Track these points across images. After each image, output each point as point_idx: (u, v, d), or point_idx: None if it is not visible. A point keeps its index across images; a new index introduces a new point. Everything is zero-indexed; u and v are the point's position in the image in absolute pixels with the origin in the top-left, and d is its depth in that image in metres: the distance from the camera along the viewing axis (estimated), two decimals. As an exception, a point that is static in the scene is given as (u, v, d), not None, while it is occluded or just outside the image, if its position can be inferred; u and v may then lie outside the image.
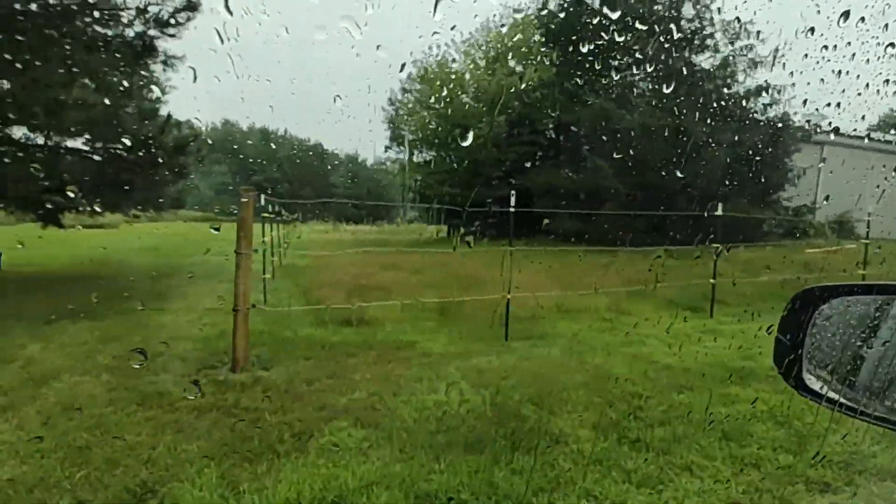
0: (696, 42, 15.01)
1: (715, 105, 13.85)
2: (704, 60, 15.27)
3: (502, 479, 2.55)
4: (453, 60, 20.47)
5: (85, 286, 8.40)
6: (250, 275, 4.37)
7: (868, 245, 7.60)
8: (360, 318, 6.24)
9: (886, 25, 2.31)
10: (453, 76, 19.70)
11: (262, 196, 7.98)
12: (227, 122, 65.74)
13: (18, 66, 6.25)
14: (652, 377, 4.27)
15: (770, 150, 14.21)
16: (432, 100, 19.27)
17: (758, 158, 13.84)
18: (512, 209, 5.77)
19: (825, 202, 15.46)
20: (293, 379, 4.14)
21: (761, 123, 14.69)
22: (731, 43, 14.69)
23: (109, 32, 8.15)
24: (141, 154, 7.24)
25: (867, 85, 2.64)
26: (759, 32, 14.55)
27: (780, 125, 14.65)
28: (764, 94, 14.63)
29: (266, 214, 8.79)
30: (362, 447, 2.95)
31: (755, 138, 13.75)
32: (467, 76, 19.82)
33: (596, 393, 3.87)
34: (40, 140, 8.09)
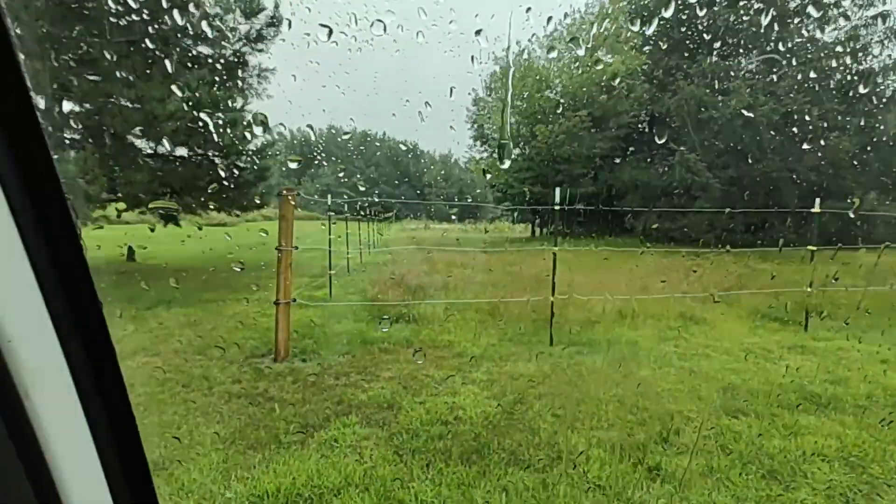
0: (817, 13, 12.95)
1: (838, 84, 11.85)
2: (828, 34, 13.14)
3: (483, 495, 2.40)
4: (536, 55, 19.93)
5: (190, 278, 9.50)
6: (291, 270, 4.60)
7: None
8: (411, 316, 6.32)
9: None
10: (536, 73, 19.19)
11: (347, 196, 8.42)
12: (332, 127, 70.71)
13: (130, 79, 7.22)
14: (703, 396, 3.76)
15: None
16: (512, 97, 18.93)
17: (892, 143, 11.57)
18: (557, 207, 5.42)
19: None
20: (325, 372, 4.29)
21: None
22: (862, 10, 12.43)
23: (206, 51, 9.14)
24: (227, 159, 8.01)
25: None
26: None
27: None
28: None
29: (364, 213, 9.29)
30: (361, 446, 2.96)
31: (889, 120, 11.53)
32: (552, 70, 19.19)
33: (629, 409, 3.50)
34: (153, 149, 9.27)
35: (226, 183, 8.83)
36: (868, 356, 4.66)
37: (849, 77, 12.14)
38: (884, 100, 12.78)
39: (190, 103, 7.26)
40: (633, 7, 16.70)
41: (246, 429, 3.15)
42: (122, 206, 8.59)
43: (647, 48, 15.38)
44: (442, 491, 2.44)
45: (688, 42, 14.07)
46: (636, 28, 16.47)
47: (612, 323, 6.11)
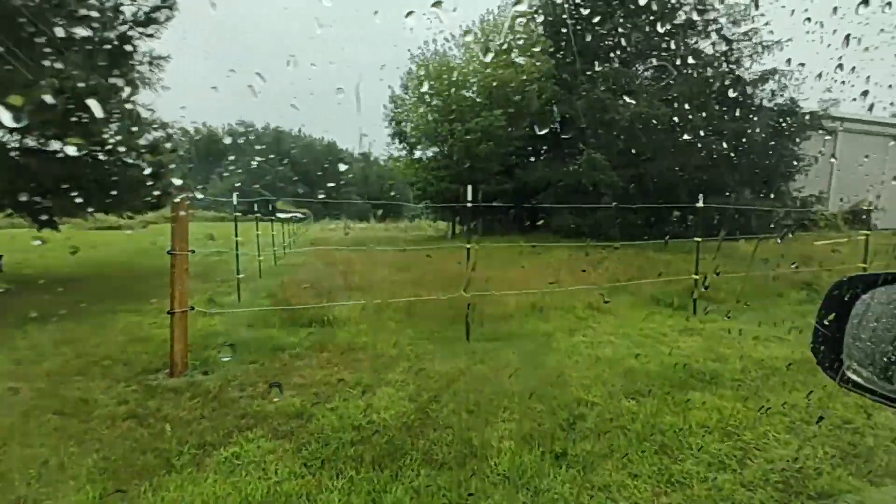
0: (700, 26, 14.41)
1: (718, 92, 13.27)
2: (708, 46, 14.66)
3: (394, 499, 2.34)
4: (452, 54, 20.18)
5: (73, 289, 8.42)
6: (186, 276, 4.22)
7: (869, 237, 7.11)
8: (325, 318, 6.08)
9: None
10: (453, 70, 19.41)
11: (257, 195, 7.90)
12: (243, 122, 66.44)
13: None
14: (606, 381, 3.99)
15: (777, 136, 13.56)
16: (430, 96, 19.01)
17: (764, 147, 13.21)
18: (469, 204, 5.51)
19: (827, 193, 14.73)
20: (228, 384, 3.98)
21: (769, 110, 14.03)
22: (736, 26, 14.03)
23: (84, 33, 8.12)
24: (113, 156, 7.18)
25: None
26: (762, 15, 13.92)
27: (788, 110, 13.96)
28: (771, 79, 13.96)
29: (281, 214, 8.75)
30: (265, 461, 2.77)
31: (760, 125, 13.13)
32: (468, 69, 19.51)
33: (541, 400, 3.62)
34: (19, 142, 8.09)
35: (113, 182, 7.89)
36: (744, 335, 5.23)
37: (726, 85, 13.63)
38: (754, 108, 14.53)
39: (63, 92, 6.38)
40: (542, 13, 17.47)
41: (132, 455, 2.83)
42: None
43: (558, 52, 16.15)
44: (352, 499, 2.35)
45: (592, 48, 14.99)
46: (545, 32, 17.23)
47: (526, 316, 6.33)
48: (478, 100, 19.02)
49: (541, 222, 14.85)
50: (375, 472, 2.60)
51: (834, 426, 3.14)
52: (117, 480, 2.56)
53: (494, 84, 18.12)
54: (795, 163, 14.43)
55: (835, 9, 2.74)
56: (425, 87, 20.04)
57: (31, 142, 8.26)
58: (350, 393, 3.78)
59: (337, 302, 6.58)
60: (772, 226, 12.16)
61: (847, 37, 2.35)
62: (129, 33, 8.96)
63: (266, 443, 2.98)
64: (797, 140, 14.44)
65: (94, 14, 7.81)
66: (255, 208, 10.16)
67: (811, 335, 0.97)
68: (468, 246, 5.54)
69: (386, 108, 22.64)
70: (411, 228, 27.46)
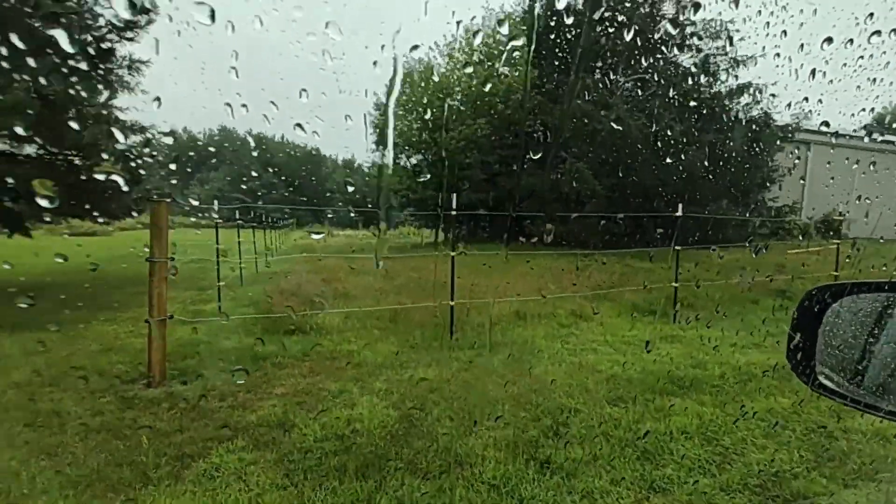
0: (677, 41, 14.81)
1: (694, 104, 13.63)
2: (685, 59, 15.08)
3: (377, 509, 2.32)
4: (437, 63, 20.36)
5: (45, 297, 8.15)
6: (165, 283, 4.13)
7: (839, 246, 7.36)
8: (308, 327, 6.02)
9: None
10: (436, 79, 19.58)
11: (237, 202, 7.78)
12: (224, 128, 65.59)
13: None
14: (590, 388, 4.03)
15: (752, 148, 13.98)
16: (413, 103, 19.13)
17: (739, 158, 13.60)
18: (454, 212, 5.53)
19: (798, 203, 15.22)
20: (208, 394, 3.90)
21: (743, 122, 14.47)
22: (712, 41, 14.47)
23: (61, 35, 7.95)
24: (89, 160, 7.02)
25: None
26: (737, 31, 14.38)
27: (762, 123, 14.41)
28: (745, 93, 14.40)
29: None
30: (245, 472, 2.72)
31: (736, 137, 13.53)
32: (451, 77, 19.69)
33: (524, 407, 3.63)
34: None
35: (88, 187, 7.69)
36: (722, 341, 5.34)
37: (703, 98, 14.03)
38: (729, 122, 14.96)
39: (36, 95, 6.23)
40: (525, 24, 17.75)
41: (106, 468, 2.74)
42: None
43: (541, 63, 16.40)
44: (334, 511, 2.31)
45: (574, 59, 15.26)
46: (527, 43, 17.48)
47: (510, 324, 6.36)
48: (462, 108, 19.18)
49: (526, 230, 14.96)
50: (359, 481, 2.57)
51: (808, 430, 3.22)
52: (91, 495, 2.49)
53: (477, 93, 18.33)
54: (770, 174, 14.87)
55: (801, 45, 2.89)
56: (409, 95, 20.13)
57: (1, 145, 8.04)
58: (333, 402, 3.75)
59: (321, 310, 6.52)
60: (749, 238, 12.48)
61: (813, 71, 2.49)
62: (109, 36, 8.82)
63: (246, 454, 2.92)
64: (771, 152, 14.88)
65: (72, 16, 7.66)
66: (237, 215, 10.03)
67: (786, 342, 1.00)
68: (453, 254, 5.55)
69: (371, 116, 22.66)
70: (396, 235, 27.40)
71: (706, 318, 6.75)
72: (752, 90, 14.68)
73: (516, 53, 18.32)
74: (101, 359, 4.86)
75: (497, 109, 18.11)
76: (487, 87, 18.30)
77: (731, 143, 14.06)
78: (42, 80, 6.73)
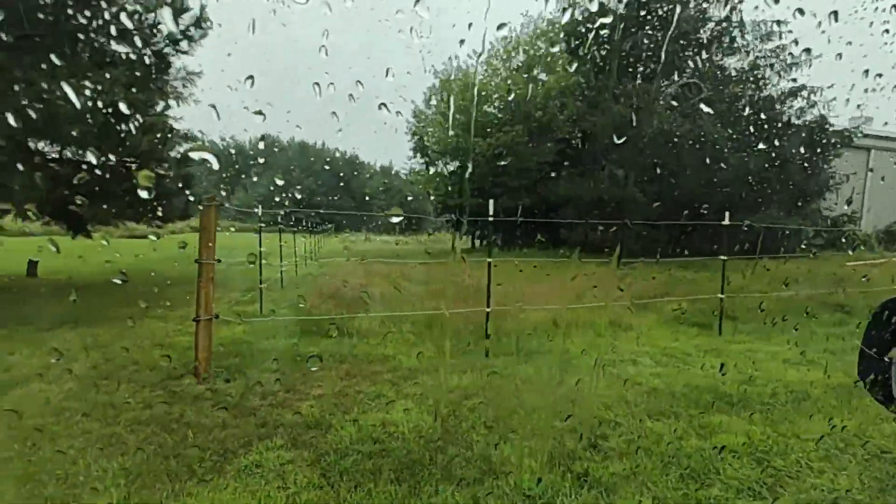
0: (725, 44, 14.27)
1: (743, 109, 13.08)
2: (733, 63, 14.50)
3: (412, 514, 2.32)
4: (475, 70, 20.44)
5: (102, 294, 8.67)
6: (212, 284, 4.30)
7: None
8: (346, 330, 6.12)
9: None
10: (475, 87, 19.66)
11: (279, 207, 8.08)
12: (267, 135, 68.20)
13: (29, 82, 6.53)
14: (629, 401, 3.90)
15: (806, 154, 13.26)
16: (451, 109, 19.27)
17: (793, 164, 12.92)
18: (490, 218, 5.51)
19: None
20: (249, 392, 4.03)
21: (795, 127, 13.74)
22: (763, 43, 13.84)
23: (122, 49, 8.50)
24: (145, 167, 7.45)
25: None
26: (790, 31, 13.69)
27: (817, 128, 13.64)
28: (799, 96, 13.69)
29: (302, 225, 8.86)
30: (284, 470, 2.78)
31: (789, 142, 12.86)
32: (490, 86, 19.71)
33: (561, 417, 3.55)
34: (59, 153, 8.44)
35: (143, 192, 8.15)
36: (772, 356, 5.06)
37: (753, 102, 13.44)
38: (780, 125, 14.25)
39: (101, 105, 6.66)
40: (565, 29, 17.58)
41: (155, 459, 2.87)
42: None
43: (578, 67, 16.20)
44: (369, 514, 2.33)
45: (615, 64, 14.97)
46: (567, 49, 17.30)
47: (547, 332, 6.25)
48: (499, 115, 19.17)
49: (564, 237, 14.74)
50: (394, 485, 2.58)
51: (872, 455, 2.99)
52: (140, 485, 2.60)
53: (516, 100, 18.26)
54: (826, 181, 14.05)
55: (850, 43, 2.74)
56: (450, 102, 20.31)
57: (68, 153, 8.63)
58: (369, 405, 3.78)
59: (358, 313, 6.62)
60: (802, 245, 11.82)
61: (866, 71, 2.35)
62: (165, 50, 9.36)
63: (285, 452, 2.99)
64: (828, 157, 14.07)
65: (133, 31, 8.17)
66: (279, 220, 10.36)
67: (857, 358, 0.92)
68: (490, 260, 5.52)
69: (409, 123, 22.98)
70: (432, 241, 27.60)
71: (755, 330, 6.43)
72: (806, 93, 13.96)
73: (556, 60, 18.21)
74: (152, 354, 5.11)
75: (535, 116, 18.01)
76: (524, 94, 18.23)
77: (783, 149, 13.39)
78: (106, 92, 7.22)
